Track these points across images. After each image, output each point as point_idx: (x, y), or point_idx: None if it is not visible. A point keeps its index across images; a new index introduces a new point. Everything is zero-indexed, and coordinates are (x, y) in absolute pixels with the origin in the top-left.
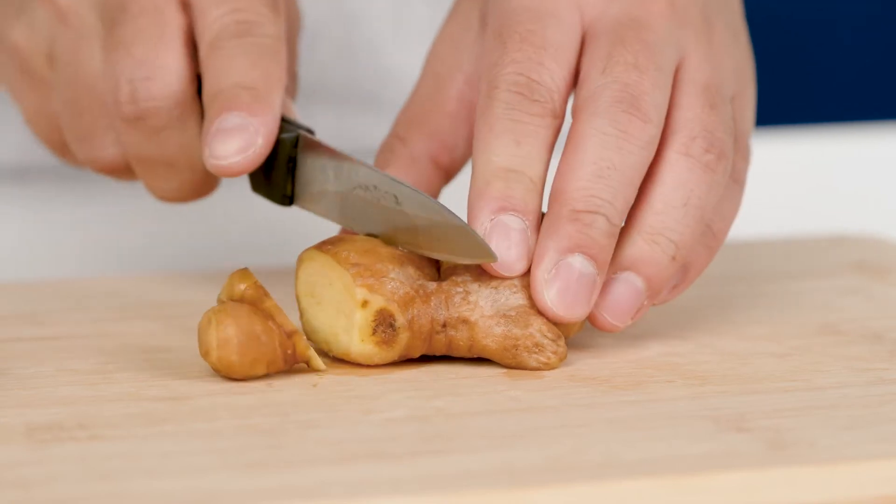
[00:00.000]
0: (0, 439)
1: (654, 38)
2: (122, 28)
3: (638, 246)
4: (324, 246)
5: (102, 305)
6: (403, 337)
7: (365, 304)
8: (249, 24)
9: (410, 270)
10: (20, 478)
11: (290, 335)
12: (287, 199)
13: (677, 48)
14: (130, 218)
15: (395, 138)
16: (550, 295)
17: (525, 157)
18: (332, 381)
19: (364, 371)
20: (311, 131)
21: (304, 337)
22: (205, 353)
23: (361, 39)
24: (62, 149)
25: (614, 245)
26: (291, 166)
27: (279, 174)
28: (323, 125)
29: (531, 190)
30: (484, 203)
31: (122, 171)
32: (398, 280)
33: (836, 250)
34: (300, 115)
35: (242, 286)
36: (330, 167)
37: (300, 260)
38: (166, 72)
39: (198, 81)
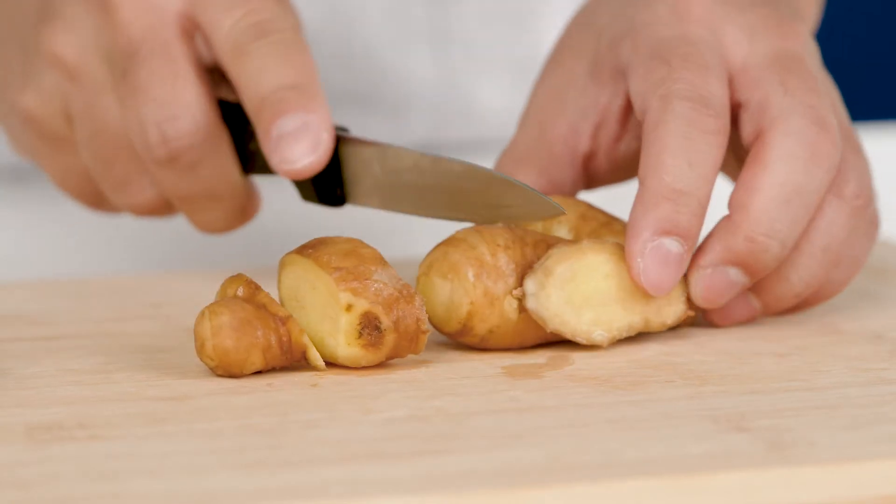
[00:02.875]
0: (0, 439)
1: (809, 68)
2: (135, 74)
3: (768, 277)
4: (304, 250)
5: (102, 305)
6: (390, 339)
7: (349, 307)
8: (267, 22)
9: (393, 271)
10: (20, 478)
11: (284, 321)
12: (340, 199)
13: None
14: (131, 218)
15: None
16: (697, 287)
17: (696, 178)
18: (332, 381)
19: (364, 371)
20: (343, 128)
21: (298, 323)
22: (200, 347)
23: (358, 41)
24: (98, 201)
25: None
26: (335, 166)
27: (326, 176)
28: None
29: (697, 213)
30: (649, 221)
31: (163, 209)
32: (381, 281)
33: None
34: None
35: (235, 288)
36: (374, 159)
37: (282, 264)
38: (190, 107)
39: (219, 105)
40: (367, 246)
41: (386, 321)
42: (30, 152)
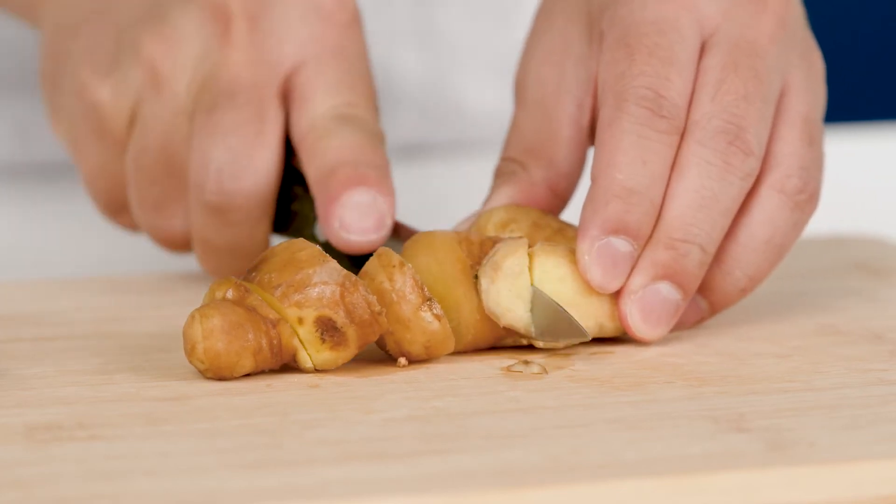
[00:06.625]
0: (0, 439)
1: (764, 67)
2: (222, 114)
3: (712, 274)
4: (249, 274)
5: (102, 305)
6: (351, 332)
7: (300, 321)
8: (361, 118)
9: (333, 263)
10: (20, 478)
11: (274, 324)
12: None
13: (783, 74)
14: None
15: (515, 163)
16: (633, 313)
17: (649, 177)
18: (332, 382)
19: (364, 371)
20: None
21: (289, 326)
22: (190, 349)
23: None
24: (118, 211)
25: (704, 272)
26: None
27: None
28: None
29: (649, 213)
30: (600, 220)
31: (183, 244)
32: (322, 282)
33: (836, 250)
34: None
35: (224, 290)
36: None
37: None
38: (258, 171)
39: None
40: (307, 245)
41: (340, 318)
42: (72, 138)
